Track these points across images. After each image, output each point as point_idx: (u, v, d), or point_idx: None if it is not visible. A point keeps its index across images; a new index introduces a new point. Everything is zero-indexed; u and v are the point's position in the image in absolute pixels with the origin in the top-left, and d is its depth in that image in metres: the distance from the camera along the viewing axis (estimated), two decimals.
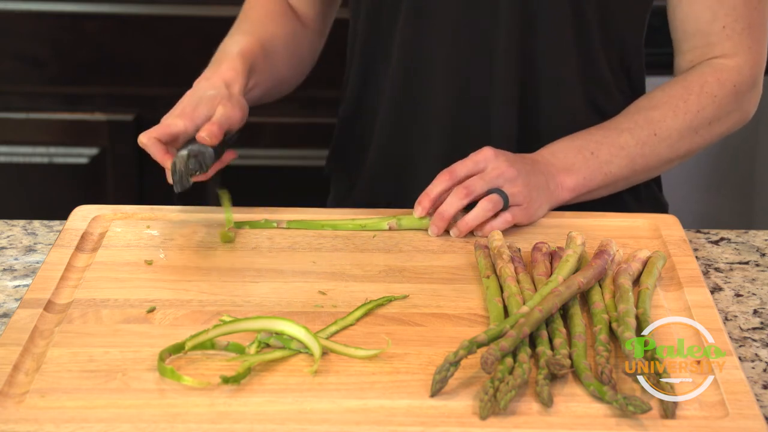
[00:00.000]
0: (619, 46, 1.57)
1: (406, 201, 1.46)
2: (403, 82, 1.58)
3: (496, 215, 1.40)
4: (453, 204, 1.39)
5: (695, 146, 1.54)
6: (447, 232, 1.42)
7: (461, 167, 1.41)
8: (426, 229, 1.42)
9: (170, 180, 1.38)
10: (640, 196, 1.62)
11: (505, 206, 1.40)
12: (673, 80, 1.55)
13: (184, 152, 1.37)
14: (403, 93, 1.59)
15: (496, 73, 1.54)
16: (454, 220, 1.40)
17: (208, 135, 1.39)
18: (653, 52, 1.68)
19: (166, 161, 1.38)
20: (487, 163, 1.40)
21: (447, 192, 1.40)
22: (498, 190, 1.39)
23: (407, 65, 1.57)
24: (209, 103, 1.43)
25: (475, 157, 1.41)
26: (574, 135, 1.50)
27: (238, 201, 1.48)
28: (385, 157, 1.62)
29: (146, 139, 1.39)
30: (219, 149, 1.41)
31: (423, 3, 1.54)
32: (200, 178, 1.39)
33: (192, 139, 1.41)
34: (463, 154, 1.42)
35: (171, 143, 1.40)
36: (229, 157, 1.45)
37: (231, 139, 1.46)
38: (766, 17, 1.54)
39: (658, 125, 1.50)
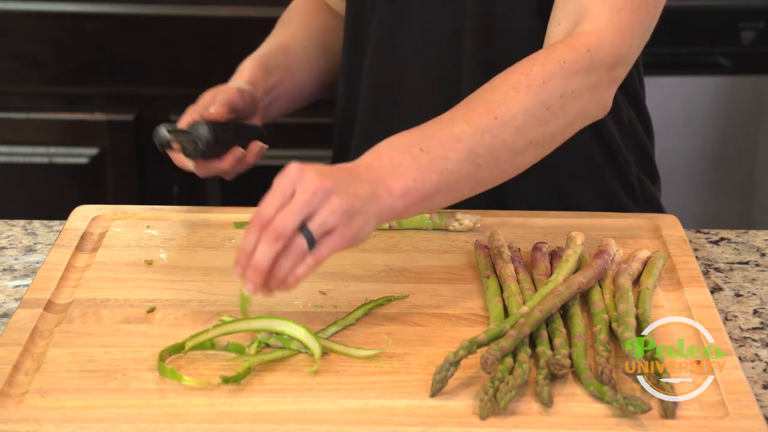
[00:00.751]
0: None
1: None
2: (376, 86, 1.59)
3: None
4: (265, 254, 1.15)
5: (551, 128, 1.30)
6: (446, 231, 1.42)
7: (267, 207, 1.17)
8: (427, 229, 1.42)
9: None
10: (635, 194, 1.61)
11: (311, 245, 1.16)
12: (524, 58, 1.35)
13: (164, 127, 1.41)
14: (376, 95, 1.59)
15: (464, 80, 1.53)
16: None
17: (215, 112, 1.43)
18: (653, 52, 1.68)
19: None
20: (294, 187, 1.17)
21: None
22: (302, 228, 1.16)
23: (380, 73, 1.58)
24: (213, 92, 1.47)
25: (281, 185, 1.17)
26: (402, 132, 1.26)
27: (239, 201, 1.48)
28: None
29: (222, 98, 1.44)
30: (231, 135, 1.44)
31: (394, 11, 1.54)
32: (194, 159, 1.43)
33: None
34: None
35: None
36: (257, 148, 1.46)
37: (257, 131, 1.48)
38: None
39: (498, 107, 1.27)
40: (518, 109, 1.28)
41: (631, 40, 1.34)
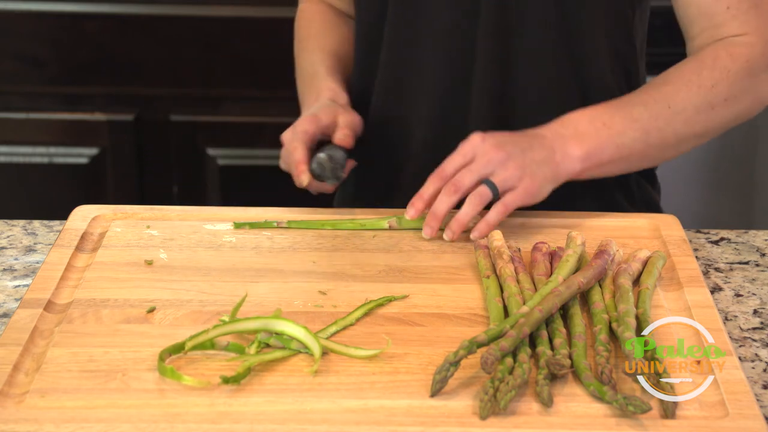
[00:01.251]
0: (611, 47, 1.55)
1: (395, 199, 1.47)
2: (391, 89, 1.59)
3: (490, 206, 1.38)
4: (444, 202, 1.37)
5: (711, 124, 1.49)
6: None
7: (450, 164, 1.39)
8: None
9: (301, 182, 1.43)
10: (633, 198, 1.61)
11: (496, 196, 1.37)
12: (686, 59, 1.52)
13: (322, 155, 1.43)
14: (389, 94, 1.59)
15: (476, 82, 1.54)
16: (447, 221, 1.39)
17: (343, 137, 1.45)
18: (654, 52, 1.68)
19: (304, 162, 1.43)
20: (475, 152, 1.38)
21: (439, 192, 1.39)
22: (486, 181, 1.37)
23: (394, 72, 1.58)
24: (327, 112, 1.49)
25: (463, 149, 1.39)
26: (586, 108, 1.47)
27: (238, 201, 1.48)
28: (376, 158, 1.62)
29: (295, 143, 1.45)
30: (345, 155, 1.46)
31: (408, 8, 1.54)
32: (332, 184, 1.45)
33: (319, 146, 1.46)
34: (447, 151, 1.42)
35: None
36: (351, 164, 1.50)
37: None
38: None
39: (672, 99, 1.46)
40: (689, 104, 1.46)
41: None
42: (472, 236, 1.38)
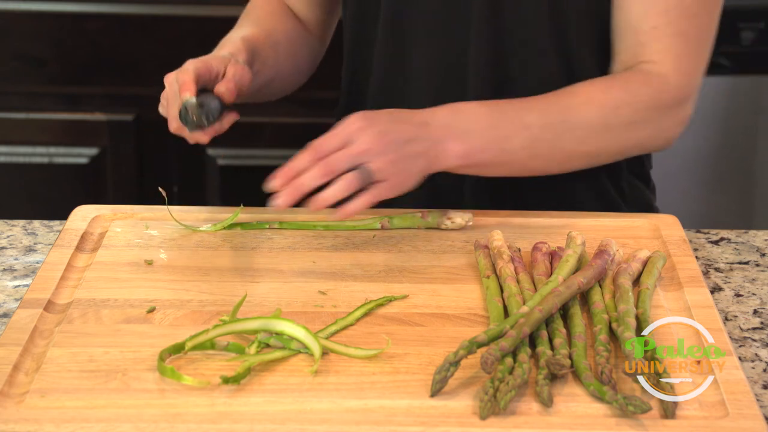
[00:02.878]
0: (603, 48, 1.55)
1: (390, 199, 1.47)
2: (384, 89, 1.59)
3: (358, 193, 1.32)
4: (313, 178, 1.30)
5: (605, 145, 1.44)
6: (446, 231, 1.42)
7: (327, 142, 1.31)
8: (419, 228, 1.42)
9: (172, 126, 1.39)
10: (626, 198, 1.61)
11: (365, 183, 1.31)
12: (604, 76, 1.48)
13: (192, 99, 1.37)
14: (383, 93, 1.59)
15: (470, 82, 1.54)
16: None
17: (226, 90, 1.40)
18: None
19: (185, 96, 1.37)
20: (357, 137, 1.31)
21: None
22: (360, 168, 1.31)
23: (387, 73, 1.58)
24: (219, 61, 1.43)
25: (345, 130, 1.32)
26: (481, 102, 1.41)
27: (238, 201, 1.48)
28: None
29: (187, 72, 1.39)
30: (220, 109, 1.40)
31: (401, 8, 1.54)
32: (200, 133, 1.39)
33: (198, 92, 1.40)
34: None
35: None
36: (232, 118, 1.43)
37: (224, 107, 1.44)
38: (706, 32, 1.46)
39: (570, 112, 1.41)
40: (585, 121, 1.41)
41: (692, 80, 1.46)
42: (331, 217, 1.34)
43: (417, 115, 1.37)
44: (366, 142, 1.31)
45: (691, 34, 1.44)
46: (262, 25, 1.60)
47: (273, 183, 1.30)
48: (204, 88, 1.41)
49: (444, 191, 1.55)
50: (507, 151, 1.39)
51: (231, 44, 1.51)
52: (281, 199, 1.30)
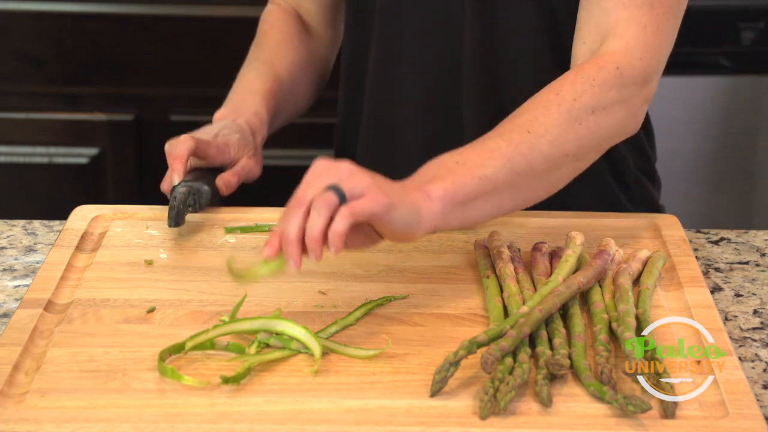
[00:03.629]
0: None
1: None
2: (380, 85, 1.59)
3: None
4: (290, 221, 1.16)
5: (584, 141, 1.33)
6: (445, 231, 1.42)
7: (299, 192, 1.19)
8: None
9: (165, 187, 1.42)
10: (632, 196, 1.61)
11: (342, 199, 1.16)
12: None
13: (183, 189, 1.41)
14: (379, 95, 1.59)
15: (464, 85, 1.54)
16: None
17: (225, 185, 1.44)
18: None
19: (174, 178, 1.41)
20: (314, 170, 1.19)
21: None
22: (331, 187, 1.16)
23: (383, 68, 1.58)
24: (238, 148, 1.48)
25: (309, 173, 1.20)
26: (440, 155, 1.29)
27: (239, 201, 1.48)
28: (368, 160, 1.62)
29: (179, 149, 1.41)
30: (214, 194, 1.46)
31: (395, 8, 1.54)
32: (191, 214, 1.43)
33: (195, 170, 1.45)
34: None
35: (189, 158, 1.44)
36: (215, 208, 1.47)
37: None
38: (674, 7, 1.38)
39: (530, 124, 1.30)
40: (550, 124, 1.31)
41: (658, 55, 1.37)
42: (330, 252, 1.16)
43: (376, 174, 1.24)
44: (334, 169, 1.18)
45: (658, 8, 1.38)
46: (279, 62, 1.61)
47: (264, 251, 1.17)
48: (198, 168, 1.45)
49: None
50: (486, 178, 1.26)
51: (252, 110, 1.53)
52: (290, 266, 1.16)
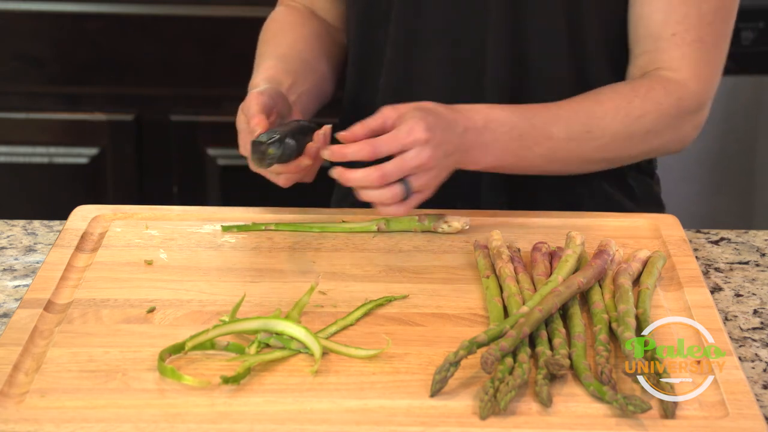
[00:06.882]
0: (616, 46, 1.55)
1: None
2: (396, 84, 1.58)
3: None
4: (364, 178, 1.32)
5: (625, 153, 1.49)
6: (444, 233, 1.42)
7: (386, 145, 1.33)
8: (416, 231, 1.42)
9: (244, 151, 1.39)
10: (633, 194, 1.61)
11: (407, 196, 1.34)
12: (623, 82, 1.51)
13: (267, 135, 1.33)
14: (395, 94, 1.59)
15: (487, 82, 1.53)
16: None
17: (316, 150, 1.37)
18: None
19: (257, 131, 1.35)
20: (412, 147, 1.33)
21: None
22: (404, 182, 1.34)
23: (399, 67, 1.57)
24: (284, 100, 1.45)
25: (405, 138, 1.32)
26: (516, 109, 1.44)
27: (238, 201, 1.48)
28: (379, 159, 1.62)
29: (252, 108, 1.37)
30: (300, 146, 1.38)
31: (414, 8, 1.53)
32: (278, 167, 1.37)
33: (279, 126, 1.38)
34: None
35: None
36: (314, 148, 1.41)
37: (305, 125, 1.42)
38: (722, 39, 1.49)
39: (595, 123, 1.45)
40: (609, 131, 1.45)
41: (711, 87, 1.50)
42: (378, 213, 1.37)
43: (459, 120, 1.38)
44: (421, 158, 1.32)
45: (709, 41, 1.47)
46: (281, 46, 1.58)
47: (326, 154, 1.35)
48: (282, 125, 1.40)
49: (462, 189, 1.54)
50: (525, 159, 1.43)
51: (261, 76, 1.49)
52: (326, 154, 1.35)
